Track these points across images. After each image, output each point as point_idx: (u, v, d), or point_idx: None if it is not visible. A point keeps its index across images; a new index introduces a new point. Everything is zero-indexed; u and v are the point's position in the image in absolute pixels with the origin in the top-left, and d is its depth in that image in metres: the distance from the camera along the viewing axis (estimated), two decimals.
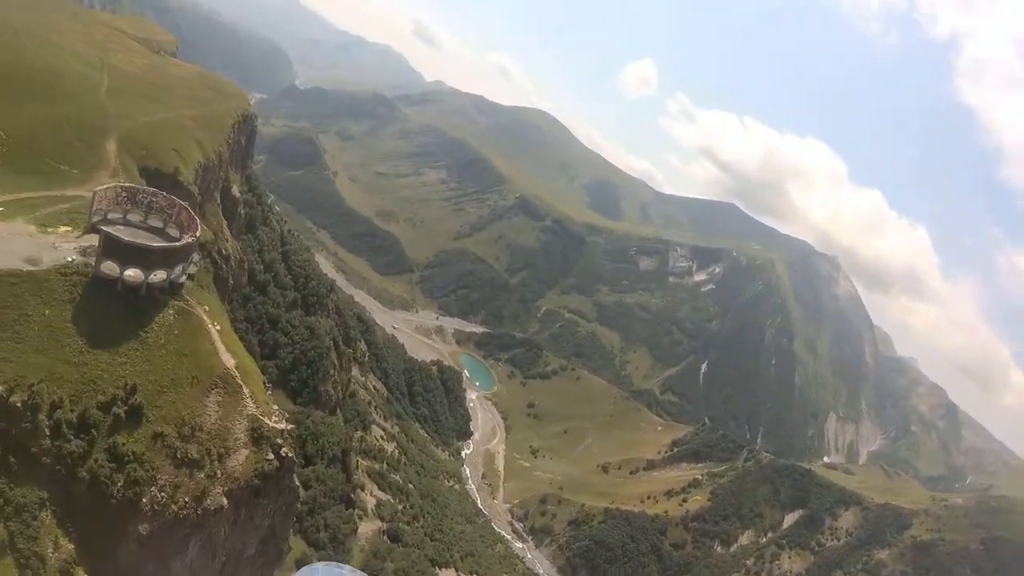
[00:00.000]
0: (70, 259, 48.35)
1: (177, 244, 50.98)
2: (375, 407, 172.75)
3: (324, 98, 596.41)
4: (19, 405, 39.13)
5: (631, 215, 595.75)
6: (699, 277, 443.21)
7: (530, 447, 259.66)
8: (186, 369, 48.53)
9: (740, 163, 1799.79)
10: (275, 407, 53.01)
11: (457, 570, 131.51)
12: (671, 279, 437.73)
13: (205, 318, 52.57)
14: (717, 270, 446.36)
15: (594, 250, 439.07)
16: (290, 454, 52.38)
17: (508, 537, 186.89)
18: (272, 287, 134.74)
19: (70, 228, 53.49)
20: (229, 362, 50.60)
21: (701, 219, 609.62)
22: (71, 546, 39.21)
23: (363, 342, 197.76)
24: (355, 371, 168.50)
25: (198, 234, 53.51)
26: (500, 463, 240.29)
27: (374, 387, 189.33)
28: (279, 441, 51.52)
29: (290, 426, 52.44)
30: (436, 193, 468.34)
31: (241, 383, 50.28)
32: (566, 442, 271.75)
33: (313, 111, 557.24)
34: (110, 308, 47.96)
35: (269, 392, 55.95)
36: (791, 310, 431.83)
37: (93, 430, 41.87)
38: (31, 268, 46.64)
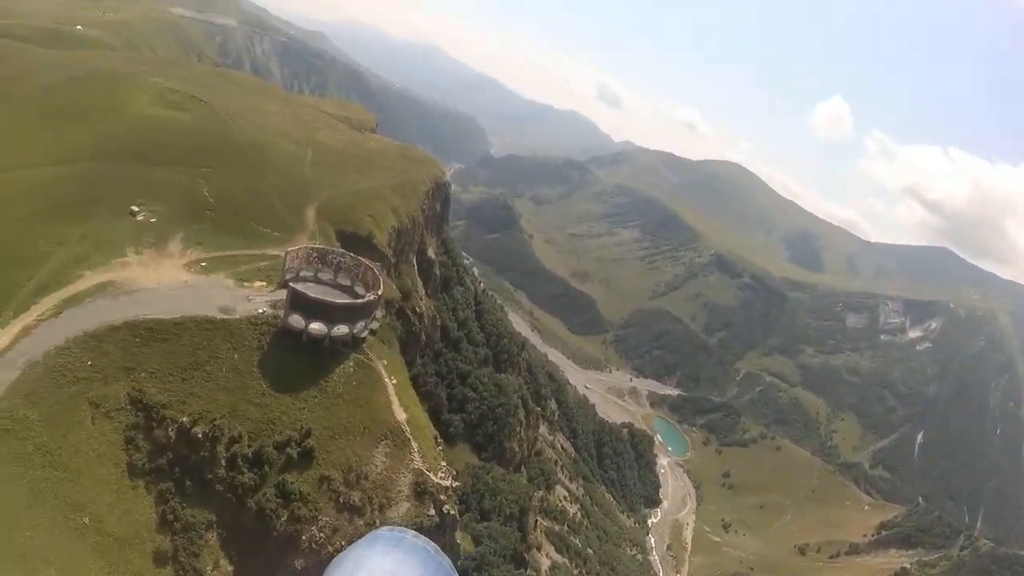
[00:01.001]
0: (261, 311, 59.41)
1: (359, 302, 59.30)
2: (561, 467, 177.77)
3: (518, 165, 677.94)
4: (200, 436, 47.71)
5: (835, 267, 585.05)
6: (913, 334, 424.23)
7: (722, 520, 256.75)
8: (359, 419, 54.76)
9: (949, 201, 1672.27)
10: (443, 463, 56.74)
11: None
12: (882, 337, 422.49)
13: (383, 372, 59.36)
14: (933, 325, 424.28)
15: (796, 307, 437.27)
16: (452, 511, 54.84)
17: None
18: (464, 343, 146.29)
19: (264, 283, 65.61)
20: (401, 416, 55.97)
21: (913, 268, 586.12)
22: (230, 567, 45.36)
23: (553, 401, 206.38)
24: (543, 429, 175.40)
25: (380, 293, 61.65)
26: (688, 535, 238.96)
27: (562, 447, 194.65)
28: (443, 498, 54.31)
29: (456, 483, 55.60)
30: (630, 252, 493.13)
31: (410, 437, 55.13)
32: (761, 517, 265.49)
33: (508, 178, 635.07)
34: (294, 357, 57.08)
35: (440, 448, 60.05)
36: (1019, 369, 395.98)
37: (266, 466, 48.75)
38: (225, 317, 58.24)
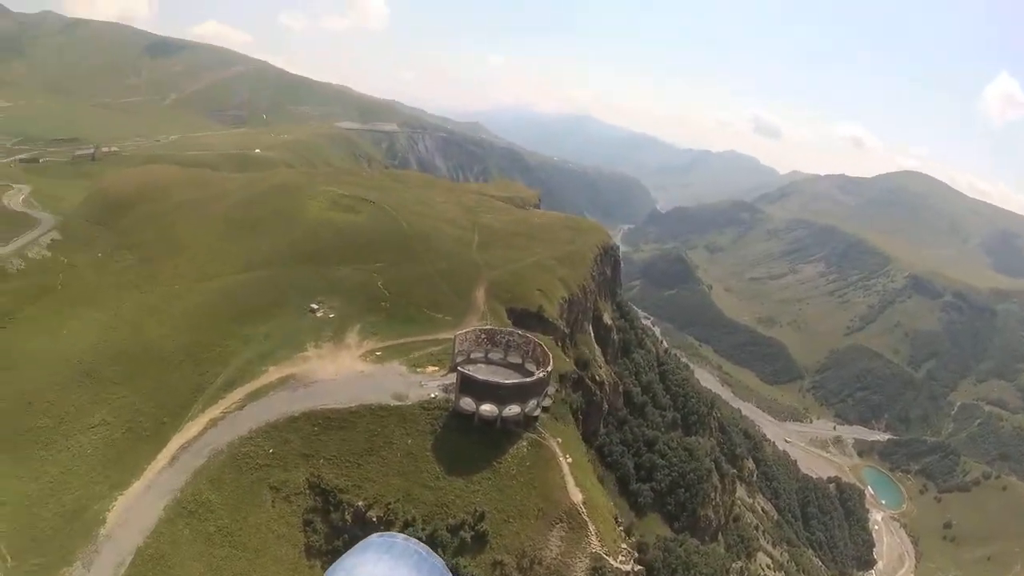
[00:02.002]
0: (433, 395, 62.90)
1: (529, 380, 61.16)
2: (762, 532, 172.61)
3: (686, 216, 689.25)
4: (375, 519, 50.81)
5: None
6: None
7: None
8: (534, 501, 55.62)
9: None
10: (623, 546, 55.50)
11: None
12: None
13: (557, 451, 60.06)
14: None
15: (1008, 321, 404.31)
16: None
17: None
18: (650, 408, 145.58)
19: (436, 368, 69.53)
20: (577, 497, 56.03)
21: None
22: None
23: (751, 460, 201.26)
24: (741, 492, 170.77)
25: (550, 369, 63.09)
26: None
27: (762, 509, 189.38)
28: None
29: (638, 568, 53.81)
30: (816, 289, 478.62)
31: (587, 519, 54.92)
32: (990, 571, 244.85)
33: (678, 230, 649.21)
34: (467, 439, 59.61)
35: (620, 529, 58.72)
36: None
37: (440, 550, 50.43)
38: (398, 403, 62.24)
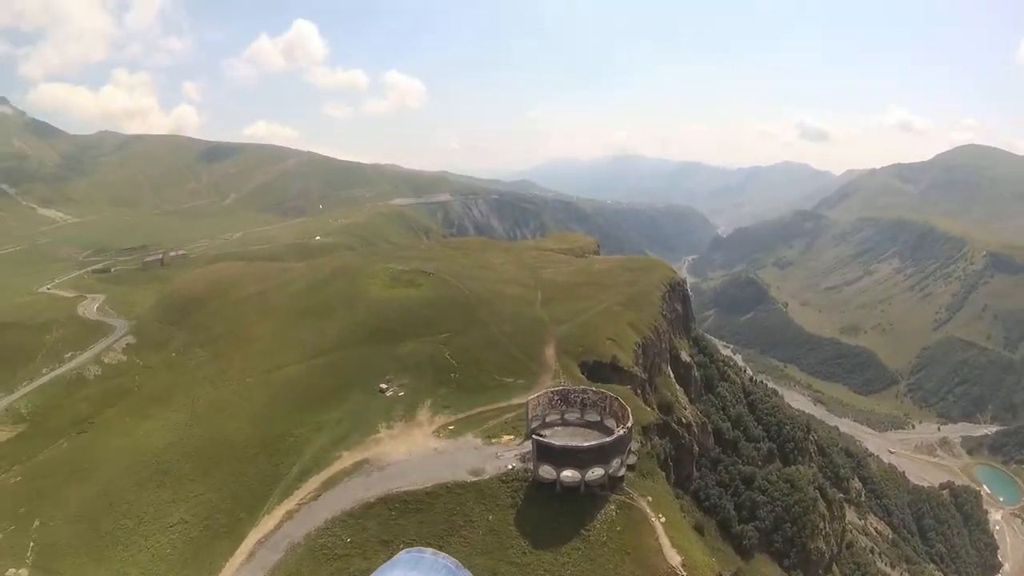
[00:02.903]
0: (510, 466, 61.13)
1: (608, 440, 59.06)
2: (878, 554, 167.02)
3: (749, 236, 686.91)
4: None
5: None
6: None
7: None
8: (628, 568, 53.08)
9: None
10: None
11: None
12: None
13: (648, 511, 57.29)
14: None
15: None
16: None
17: None
18: (743, 442, 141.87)
19: (512, 436, 67.84)
20: (675, 559, 53.23)
21: None
22: None
23: (856, 479, 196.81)
24: (851, 515, 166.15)
25: (630, 424, 60.73)
26: None
27: (875, 530, 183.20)
28: None
29: None
30: (895, 286, 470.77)
31: None
32: None
33: (743, 252, 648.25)
34: (550, 509, 57.49)
35: None
36: None
37: None
38: (475, 479, 60.58)
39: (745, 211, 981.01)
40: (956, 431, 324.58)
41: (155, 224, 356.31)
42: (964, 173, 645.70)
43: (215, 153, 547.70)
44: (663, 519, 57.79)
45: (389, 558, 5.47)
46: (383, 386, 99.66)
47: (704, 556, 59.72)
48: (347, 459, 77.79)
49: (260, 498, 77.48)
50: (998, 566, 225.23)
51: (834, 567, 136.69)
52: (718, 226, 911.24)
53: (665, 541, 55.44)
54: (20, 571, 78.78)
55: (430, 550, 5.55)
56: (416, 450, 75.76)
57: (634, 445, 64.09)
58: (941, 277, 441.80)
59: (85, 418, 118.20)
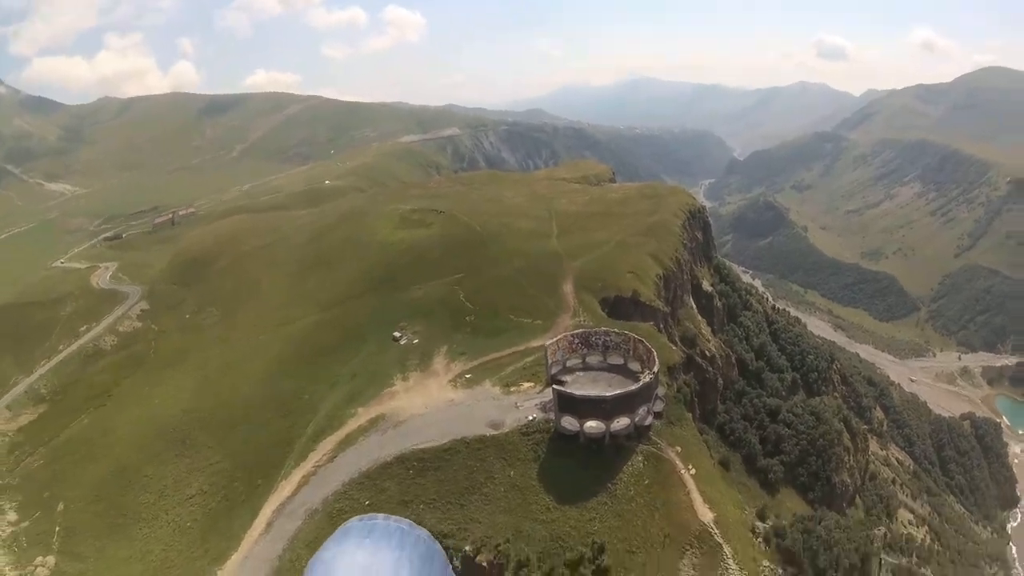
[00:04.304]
0: (531, 417, 56.74)
1: (634, 388, 54.34)
2: (900, 485, 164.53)
3: (766, 159, 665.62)
4: (486, 564, 45.39)
5: None
6: None
7: None
8: (657, 526, 49.14)
9: None
10: (765, 563, 47.79)
11: None
12: None
13: (678, 462, 53.09)
14: None
15: None
16: None
17: None
18: (767, 373, 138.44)
19: (532, 383, 63.22)
20: (706, 516, 49.08)
21: None
22: None
23: (878, 409, 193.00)
24: (873, 445, 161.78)
25: (656, 369, 55.85)
26: None
27: (897, 460, 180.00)
28: None
29: None
30: (917, 211, 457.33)
31: (721, 541, 48.02)
32: None
33: (761, 175, 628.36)
34: (575, 462, 53.32)
35: (759, 540, 50.91)
36: None
37: None
38: (495, 432, 56.31)
39: (762, 133, 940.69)
40: (977, 360, 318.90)
41: (162, 185, 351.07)
42: (988, 95, 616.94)
43: (216, 107, 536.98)
44: (693, 471, 53.45)
45: (409, 518, 5.51)
46: (396, 334, 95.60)
47: (736, 510, 55.72)
48: (362, 416, 74.34)
49: (276, 463, 74.77)
50: (1016, 500, 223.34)
51: (857, 499, 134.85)
52: (735, 149, 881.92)
53: (696, 496, 51.19)
54: (48, 558, 77.60)
55: (381, 515, 5.30)
56: (432, 403, 71.93)
57: (661, 390, 59.25)
58: (964, 202, 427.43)
59: (103, 391, 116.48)
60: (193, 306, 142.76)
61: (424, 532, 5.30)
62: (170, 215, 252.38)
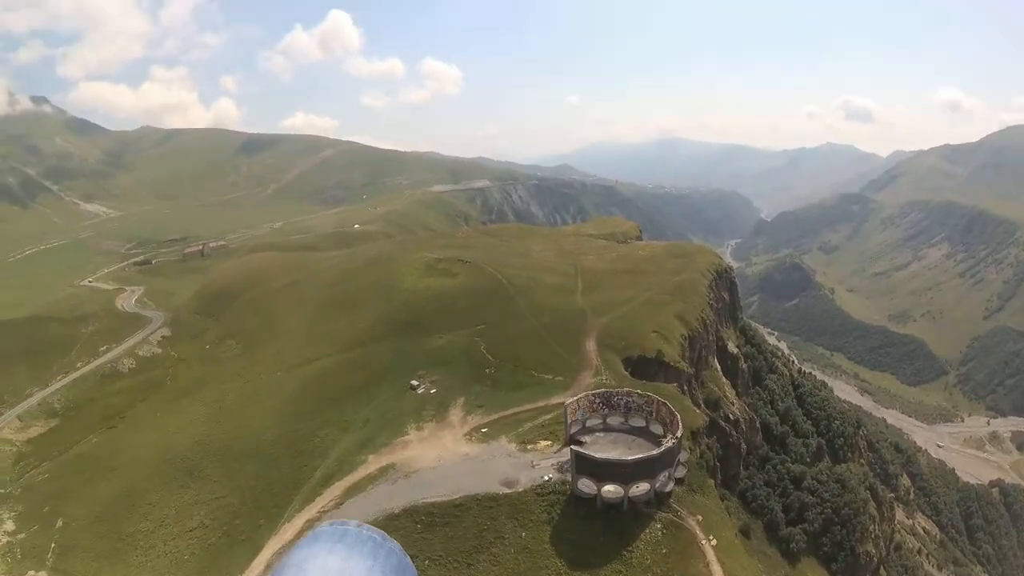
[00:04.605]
0: (547, 477, 54.93)
1: (656, 453, 52.73)
2: (926, 555, 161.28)
3: (793, 220, 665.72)
4: None
5: None
6: None
7: None
8: None
9: None
10: None
11: None
12: None
13: (699, 532, 50.90)
14: None
15: None
16: None
17: None
18: (791, 438, 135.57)
19: (549, 442, 61.53)
20: None
21: None
22: None
23: (905, 476, 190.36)
24: (899, 514, 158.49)
25: (679, 434, 54.18)
26: None
27: (923, 529, 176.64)
28: None
29: None
30: (944, 273, 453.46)
31: None
32: None
33: (788, 236, 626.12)
34: (590, 527, 51.38)
35: None
36: None
37: None
38: (508, 491, 54.50)
39: (789, 195, 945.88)
40: (1006, 425, 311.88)
41: (196, 216, 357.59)
42: (1015, 154, 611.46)
43: (254, 145, 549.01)
44: (714, 542, 51.11)
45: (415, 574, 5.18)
46: (414, 383, 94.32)
47: None
48: (372, 464, 72.52)
49: (281, 504, 73.05)
50: None
51: (881, 570, 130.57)
52: (762, 210, 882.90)
53: (716, 568, 48.77)
54: (39, 574, 76.19)
55: (354, 521, 4.97)
56: (446, 455, 70.09)
57: (683, 456, 57.29)
58: (992, 263, 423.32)
59: (116, 412, 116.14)
60: (215, 337, 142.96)
61: (397, 545, 5.05)
62: (201, 246, 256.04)
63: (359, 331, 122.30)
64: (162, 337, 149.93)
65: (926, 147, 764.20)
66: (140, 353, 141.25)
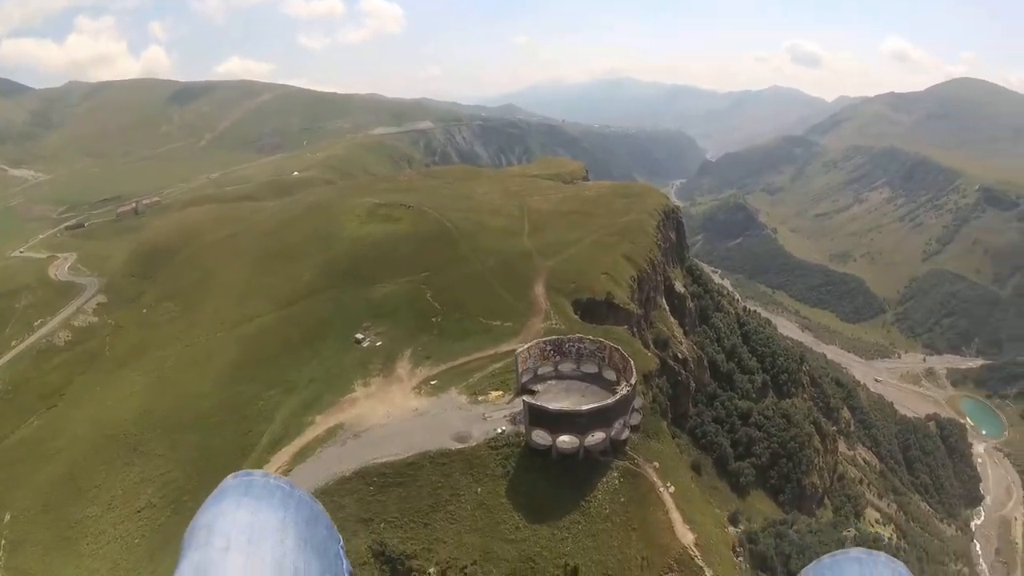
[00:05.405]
0: (500, 430, 52.03)
1: (610, 401, 49.73)
2: (867, 485, 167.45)
3: (738, 161, 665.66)
4: None
5: None
6: None
7: None
8: (635, 547, 44.98)
9: None
10: None
11: None
12: None
13: (656, 480, 48.65)
14: None
15: None
16: None
17: None
18: (738, 375, 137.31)
19: (501, 392, 58.45)
20: (687, 538, 44.87)
21: None
22: None
23: (846, 409, 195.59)
24: (841, 446, 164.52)
25: (633, 382, 51.25)
26: (1018, 532, 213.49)
27: (864, 460, 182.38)
28: None
29: None
30: (885, 216, 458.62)
31: (703, 565, 43.39)
32: None
33: (733, 177, 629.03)
34: (546, 478, 49.05)
35: (739, 559, 47.24)
36: None
37: None
38: (461, 446, 51.52)
39: (735, 136, 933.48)
40: (942, 363, 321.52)
41: (129, 172, 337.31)
42: (959, 106, 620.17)
43: (187, 94, 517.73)
44: (672, 488, 49.13)
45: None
46: (359, 336, 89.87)
47: (718, 529, 51.71)
48: (320, 425, 68.61)
49: (228, 475, 68.95)
50: (980, 499, 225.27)
51: (826, 500, 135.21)
52: (707, 150, 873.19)
53: (676, 516, 46.86)
54: None
55: (260, 471, 4.74)
56: (395, 411, 66.50)
57: (638, 402, 54.76)
58: (932, 208, 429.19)
59: (55, 390, 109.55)
60: (151, 300, 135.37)
61: (306, 494, 4.57)
62: (134, 204, 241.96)
63: (300, 284, 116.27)
64: (97, 304, 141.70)
65: (872, 94, 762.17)
66: (76, 324, 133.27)
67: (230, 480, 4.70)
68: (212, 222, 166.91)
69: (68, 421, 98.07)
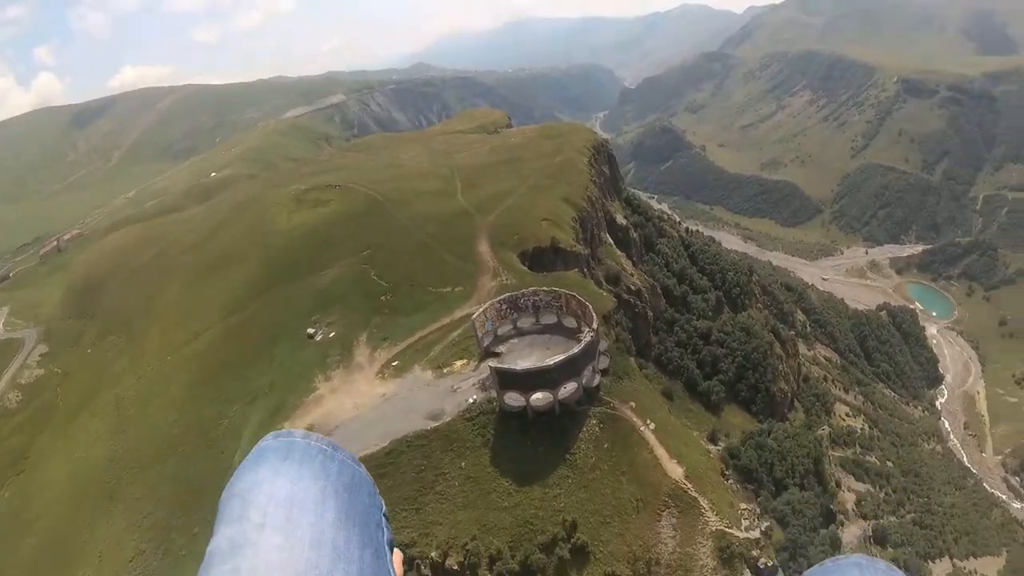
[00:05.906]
0: (471, 399, 50.28)
1: (576, 351, 48.02)
2: (832, 381, 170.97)
3: (657, 85, 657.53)
4: (456, 567, 40.32)
5: None
6: None
7: (1012, 376, 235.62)
8: (627, 491, 43.72)
9: None
10: (743, 506, 43.73)
11: (952, 557, 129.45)
12: None
13: (635, 419, 47.28)
14: None
15: (1008, 102, 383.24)
16: (770, 563, 42.29)
17: (1004, 498, 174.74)
18: (691, 296, 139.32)
19: (465, 360, 56.46)
20: (676, 472, 43.83)
21: None
22: None
23: (799, 312, 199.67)
24: (801, 348, 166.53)
25: (595, 326, 49.29)
26: (982, 405, 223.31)
27: (825, 358, 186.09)
28: (755, 553, 42.38)
29: (765, 524, 42.73)
30: (809, 119, 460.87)
31: (696, 495, 42.47)
32: None
33: (654, 101, 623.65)
34: (527, 439, 47.33)
35: (729, 480, 46.83)
36: None
37: (539, 575, 40.13)
38: (435, 424, 49.55)
39: (651, 61, 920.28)
40: (884, 253, 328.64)
41: (44, 209, 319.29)
42: (867, 1, 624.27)
43: (86, 116, 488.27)
44: (652, 425, 47.92)
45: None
46: (311, 330, 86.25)
47: (703, 456, 50.78)
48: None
49: (208, 503, 65.46)
50: (940, 378, 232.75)
51: (796, 403, 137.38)
52: (625, 79, 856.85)
53: (661, 452, 45.81)
54: None
55: (300, 431, 4.29)
56: (363, 401, 63.84)
57: (603, 345, 52.99)
58: (854, 106, 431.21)
59: (19, 455, 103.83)
60: (93, 338, 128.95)
61: (348, 455, 4.19)
62: (55, 241, 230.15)
63: (240, 289, 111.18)
64: (40, 356, 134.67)
65: (780, 0, 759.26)
66: (22, 381, 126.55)
67: (270, 440, 4.17)
68: (138, 244, 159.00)
69: (39, 486, 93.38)
